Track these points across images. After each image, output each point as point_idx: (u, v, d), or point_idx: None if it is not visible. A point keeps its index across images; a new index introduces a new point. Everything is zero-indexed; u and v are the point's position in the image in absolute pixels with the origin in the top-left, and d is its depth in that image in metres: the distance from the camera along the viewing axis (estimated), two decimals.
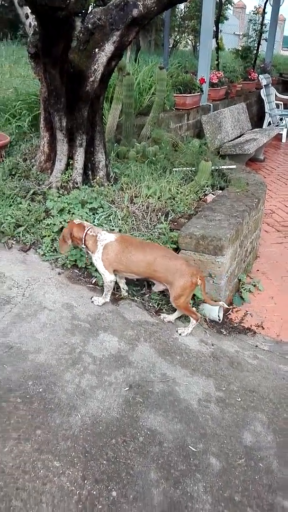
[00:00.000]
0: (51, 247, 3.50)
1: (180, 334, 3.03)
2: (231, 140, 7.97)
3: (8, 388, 2.28)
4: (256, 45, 12.29)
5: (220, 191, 4.50)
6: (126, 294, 3.28)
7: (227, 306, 3.24)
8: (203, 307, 3.39)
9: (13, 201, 3.84)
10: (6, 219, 3.60)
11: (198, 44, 17.18)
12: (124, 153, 5.16)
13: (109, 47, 3.61)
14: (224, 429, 2.38)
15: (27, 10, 3.90)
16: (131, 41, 3.75)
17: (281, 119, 10.10)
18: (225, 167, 4.99)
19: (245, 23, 29.41)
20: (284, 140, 10.32)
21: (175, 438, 2.26)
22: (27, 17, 3.87)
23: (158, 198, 4.28)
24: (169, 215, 4.09)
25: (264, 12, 11.78)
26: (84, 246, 3.00)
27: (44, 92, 3.93)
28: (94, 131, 4.14)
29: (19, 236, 3.58)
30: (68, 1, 2.47)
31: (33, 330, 2.71)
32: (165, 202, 4.21)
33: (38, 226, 3.67)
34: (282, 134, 10.03)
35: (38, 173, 4.29)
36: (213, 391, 2.62)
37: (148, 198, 4.26)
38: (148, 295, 3.35)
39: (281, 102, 10.85)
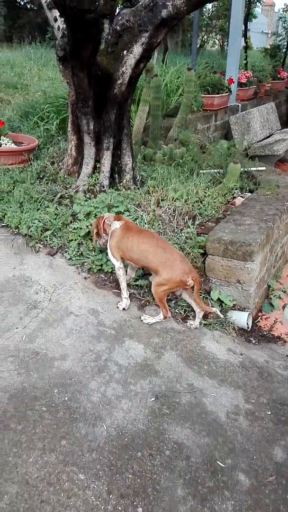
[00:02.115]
0: (78, 251, 3.48)
1: (142, 320, 2.97)
2: (259, 141, 7.81)
3: (34, 396, 2.26)
4: (285, 43, 12.05)
5: (249, 194, 4.39)
6: (130, 280, 3.28)
7: (220, 314, 3.07)
8: (231, 315, 3.30)
9: (40, 205, 3.85)
10: (34, 223, 3.60)
11: (226, 43, 17.03)
12: (151, 155, 5.11)
13: (137, 49, 3.56)
14: (254, 444, 2.29)
15: (56, 13, 3.90)
16: (160, 42, 3.70)
17: None
18: (254, 169, 4.86)
19: (274, 21, 28.95)
20: None
21: (202, 452, 2.18)
22: (55, 20, 3.86)
23: (185, 201, 4.21)
24: (196, 218, 4.01)
25: None
26: (104, 235, 3.18)
27: (72, 95, 3.92)
28: (121, 134, 4.10)
29: (46, 240, 3.58)
30: (97, 4, 2.44)
31: (59, 336, 2.69)
32: (192, 206, 4.13)
33: (65, 230, 3.66)
34: None
35: (65, 176, 4.29)
36: (242, 403, 2.53)
37: (175, 201, 4.19)
38: (174, 301, 3.29)
39: None
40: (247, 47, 10.26)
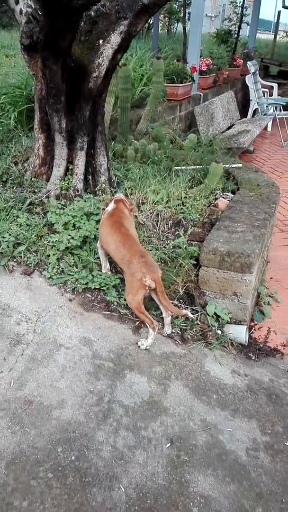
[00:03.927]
0: (58, 268, 3.10)
1: (139, 347, 2.71)
2: (222, 132, 7.65)
3: (36, 459, 1.92)
4: (236, 28, 11.89)
5: (231, 195, 4.17)
6: (105, 271, 3.14)
7: (191, 315, 2.87)
8: (229, 329, 3.09)
9: (8, 215, 3.40)
10: (4, 237, 3.16)
11: (172, 26, 16.65)
12: (121, 152, 4.75)
13: (115, 38, 3.18)
14: (280, 484, 2.10)
15: None
16: (139, 31, 3.33)
17: (266, 107, 9.81)
18: (232, 166, 4.65)
19: (217, 4, 28.89)
20: (269, 129, 10.06)
21: (231, 503, 1.96)
22: (17, 2, 3.36)
23: (166, 203, 3.93)
24: (181, 223, 3.75)
25: None
26: None
27: (40, 89, 3.46)
28: (96, 131, 3.72)
29: (20, 257, 3.16)
30: None
31: (52, 376, 2.34)
32: (175, 209, 3.86)
33: (40, 243, 3.26)
34: (268, 122, 9.75)
35: (32, 179, 3.84)
36: (259, 435, 2.34)
37: (156, 204, 3.89)
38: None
39: (266, 90, 10.55)
40: (185, 29, 9.92)
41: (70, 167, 3.71)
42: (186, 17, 10.94)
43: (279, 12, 15.53)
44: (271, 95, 10.68)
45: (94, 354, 2.55)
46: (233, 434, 2.30)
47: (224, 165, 4.62)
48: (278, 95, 10.70)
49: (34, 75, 3.48)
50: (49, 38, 2.63)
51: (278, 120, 8.90)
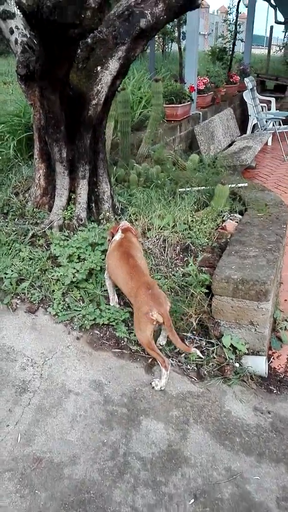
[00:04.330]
0: (64, 304, 2.95)
1: (153, 387, 2.52)
2: (223, 149, 7.57)
3: None
4: (231, 46, 11.96)
5: (239, 216, 4.04)
6: (113, 304, 2.98)
7: (200, 354, 2.65)
8: (246, 361, 2.92)
9: (10, 249, 3.27)
10: (7, 273, 3.03)
11: (166, 46, 16.83)
12: (123, 176, 4.65)
13: (113, 64, 3.09)
14: None
15: (12, 23, 3.33)
16: (137, 56, 3.24)
17: (266, 122, 9.77)
18: (238, 185, 4.53)
19: (209, 23, 29.35)
20: (270, 143, 10.00)
21: None
22: (11, 32, 3.29)
23: (172, 227, 3.80)
24: (189, 249, 3.60)
25: (238, 12, 11.45)
26: None
27: (37, 119, 3.37)
28: (97, 159, 3.61)
29: (24, 293, 3.01)
30: (82, 17, 1.95)
31: (62, 428, 2.17)
32: (182, 234, 3.72)
33: (44, 277, 3.12)
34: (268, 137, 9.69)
35: (34, 210, 3.73)
36: None
37: (161, 230, 3.76)
38: (184, 354, 2.85)
39: (265, 105, 10.53)
40: (181, 49, 9.95)
41: (72, 196, 3.60)
42: (181, 37, 11.04)
43: (271, 27, 15.70)
44: (269, 109, 10.65)
45: (105, 399, 2.37)
46: (261, 483, 2.11)
47: (230, 186, 4.51)
48: (276, 109, 10.67)
49: (32, 105, 3.39)
50: (46, 68, 2.54)
51: (278, 135, 8.83)
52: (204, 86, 7.91)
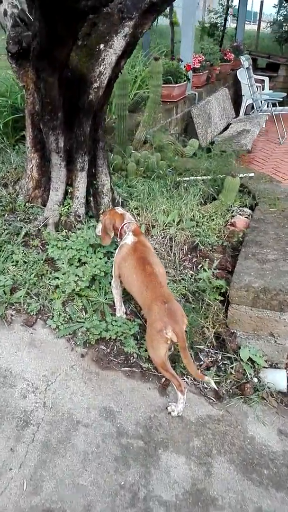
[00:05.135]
0: (65, 315, 2.64)
1: (169, 413, 2.26)
2: (220, 133, 7.22)
3: None
4: (222, 21, 11.43)
5: (249, 211, 3.76)
6: (120, 314, 2.70)
7: (213, 385, 2.33)
8: (265, 375, 2.68)
9: (2, 251, 2.92)
10: (0, 281, 2.68)
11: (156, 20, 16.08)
12: (121, 164, 4.29)
13: (118, 42, 2.71)
14: None
15: None
16: (144, 32, 2.86)
17: (261, 103, 9.39)
18: (244, 175, 4.23)
19: None
20: (263, 125, 9.66)
21: None
22: (0, 2, 2.86)
23: (178, 224, 3.49)
24: (198, 248, 3.32)
25: None
26: (119, 240, 2.65)
27: (32, 103, 2.97)
28: (97, 148, 3.25)
29: (19, 303, 2.68)
30: None
31: (73, 470, 1.89)
32: (189, 231, 3.42)
33: (41, 283, 2.79)
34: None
35: (26, 204, 3.37)
36: None
37: (167, 227, 3.45)
38: (200, 371, 2.58)
39: (259, 84, 10.13)
40: (173, 24, 9.44)
41: (69, 190, 3.24)
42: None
43: (261, 2, 15.14)
44: (262, 89, 10.27)
45: (119, 431, 2.10)
46: None
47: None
48: (269, 89, 10.31)
49: (24, 87, 2.98)
50: (45, 47, 2.16)
51: (274, 116, 8.50)
52: (199, 64, 7.49)
